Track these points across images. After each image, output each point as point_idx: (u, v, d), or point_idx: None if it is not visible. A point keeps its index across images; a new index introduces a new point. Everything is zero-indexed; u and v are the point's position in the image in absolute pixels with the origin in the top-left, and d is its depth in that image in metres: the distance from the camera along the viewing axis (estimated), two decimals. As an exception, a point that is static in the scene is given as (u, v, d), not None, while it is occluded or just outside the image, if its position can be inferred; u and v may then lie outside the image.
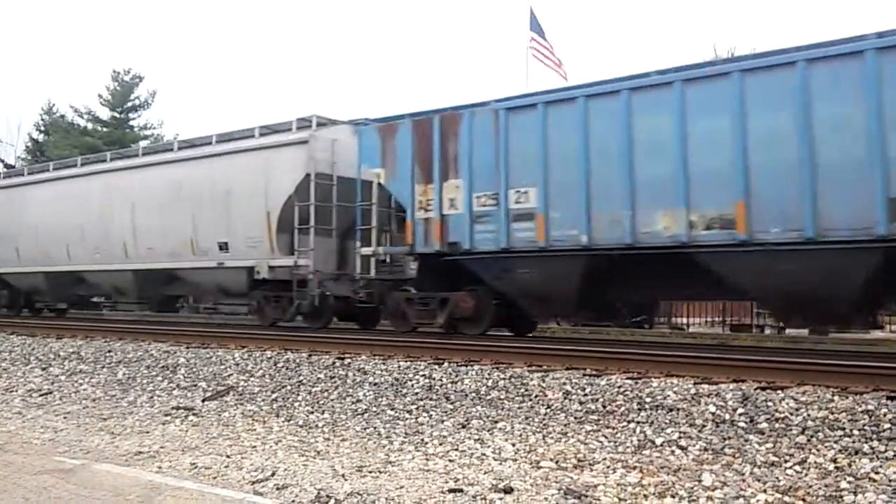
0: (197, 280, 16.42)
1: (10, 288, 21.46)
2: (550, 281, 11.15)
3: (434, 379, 8.16)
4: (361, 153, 13.28)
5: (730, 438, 5.81)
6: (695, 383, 6.99)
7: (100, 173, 18.27)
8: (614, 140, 10.47)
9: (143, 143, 18.22)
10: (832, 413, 5.89)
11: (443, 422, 6.96)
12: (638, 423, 6.36)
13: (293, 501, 4.87)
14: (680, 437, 5.94)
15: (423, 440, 6.46)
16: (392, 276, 13.50)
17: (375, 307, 14.45)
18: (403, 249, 12.86)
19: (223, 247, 15.19)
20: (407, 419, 7.18)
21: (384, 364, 8.95)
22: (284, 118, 15.28)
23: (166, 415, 8.10)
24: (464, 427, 6.76)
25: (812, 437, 5.63)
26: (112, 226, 17.46)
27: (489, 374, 8.01)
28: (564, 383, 7.41)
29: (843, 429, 5.66)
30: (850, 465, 5.14)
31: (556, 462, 5.59)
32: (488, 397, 7.47)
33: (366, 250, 13.29)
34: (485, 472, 5.38)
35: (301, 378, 8.93)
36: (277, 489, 5.09)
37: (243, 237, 14.84)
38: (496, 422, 6.80)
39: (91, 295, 20.62)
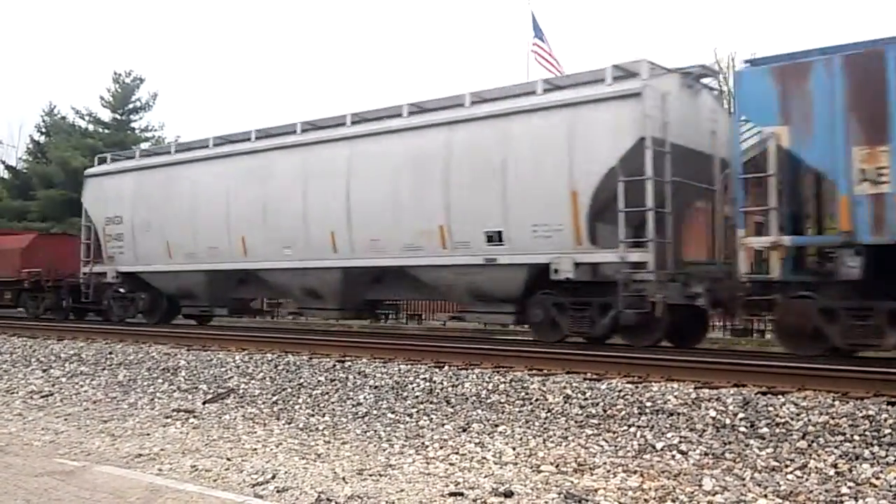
0: (441, 281, 12.77)
1: (151, 290, 17.42)
2: None
3: (434, 382, 8.16)
4: (742, 105, 10.05)
5: (730, 443, 5.82)
6: (695, 388, 6.98)
7: (291, 147, 14.65)
8: None
9: (350, 111, 14.14)
10: (833, 418, 5.90)
11: (443, 425, 6.97)
12: (638, 427, 6.36)
13: (294, 504, 4.88)
14: (680, 442, 5.94)
15: (423, 443, 6.47)
16: (817, 277, 9.72)
17: (703, 318, 11.70)
18: (834, 239, 9.41)
19: (493, 237, 11.78)
20: (407, 422, 7.19)
21: (385, 367, 8.95)
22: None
23: (167, 417, 8.12)
24: (464, 430, 6.76)
25: (813, 442, 5.64)
26: (312, 213, 13.95)
27: (490, 378, 8.01)
28: (565, 387, 7.41)
29: (844, 434, 5.67)
30: (850, 471, 5.15)
31: (557, 466, 5.60)
32: (489, 401, 7.48)
33: (758, 241, 9.85)
34: (485, 476, 5.39)
35: (302, 381, 8.94)
36: (278, 492, 5.10)
37: (528, 225, 11.42)
38: (496, 425, 6.81)
39: (254, 298, 17.30)
